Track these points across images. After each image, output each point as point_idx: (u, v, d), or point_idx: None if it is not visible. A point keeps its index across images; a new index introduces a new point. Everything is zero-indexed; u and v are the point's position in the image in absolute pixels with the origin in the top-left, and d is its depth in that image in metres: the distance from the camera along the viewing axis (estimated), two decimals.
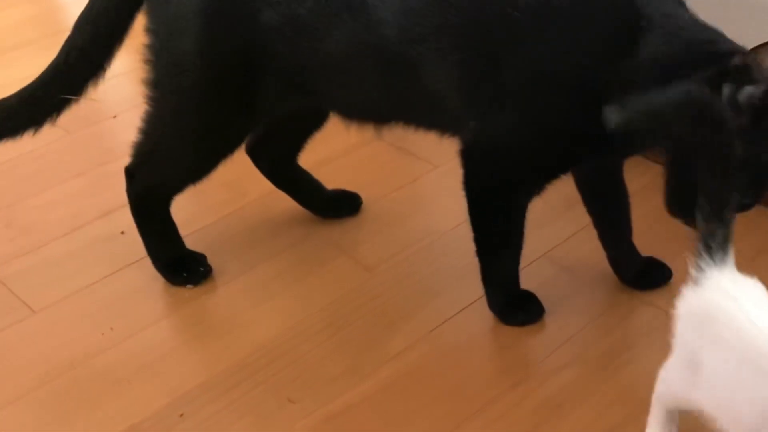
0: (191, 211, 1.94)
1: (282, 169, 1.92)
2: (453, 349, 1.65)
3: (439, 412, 1.53)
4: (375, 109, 1.64)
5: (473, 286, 1.68)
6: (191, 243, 1.85)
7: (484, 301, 1.66)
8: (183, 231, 1.83)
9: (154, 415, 1.54)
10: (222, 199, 2.02)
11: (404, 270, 1.79)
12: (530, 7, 1.41)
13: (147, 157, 1.72)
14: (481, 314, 1.68)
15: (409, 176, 2.07)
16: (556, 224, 1.87)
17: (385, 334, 1.67)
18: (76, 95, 1.69)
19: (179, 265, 1.81)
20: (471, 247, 1.64)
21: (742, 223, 1.81)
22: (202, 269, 1.80)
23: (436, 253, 1.85)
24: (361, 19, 1.48)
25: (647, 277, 1.72)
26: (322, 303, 1.75)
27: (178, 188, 1.75)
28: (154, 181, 1.75)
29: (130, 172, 1.75)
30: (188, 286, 1.79)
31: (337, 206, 1.95)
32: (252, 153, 1.88)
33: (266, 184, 1.95)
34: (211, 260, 1.83)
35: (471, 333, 1.67)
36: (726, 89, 1.30)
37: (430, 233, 1.89)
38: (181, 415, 1.54)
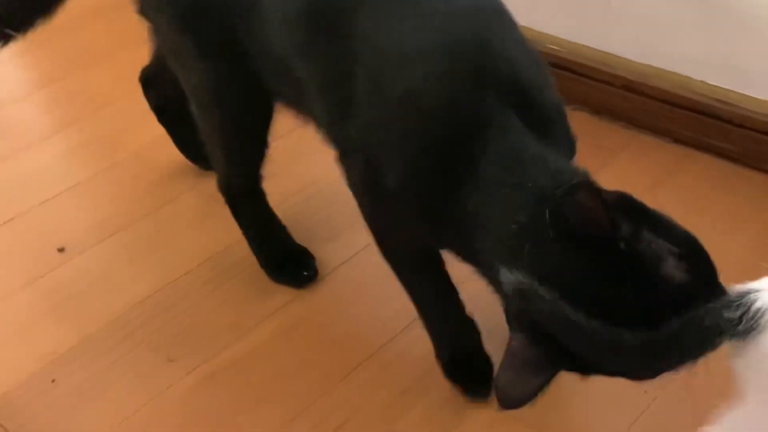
0: (65, 166, 1.85)
1: (170, 105, 1.78)
2: (342, 298, 1.59)
3: (328, 362, 1.48)
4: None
5: (360, 234, 1.60)
6: (64, 199, 1.76)
7: (372, 248, 1.58)
8: (58, 189, 1.72)
9: (24, 383, 1.45)
10: (96, 154, 1.92)
11: (288, 220, 1.70)
12: None
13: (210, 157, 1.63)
14: (370, 261, 1.58)
15: (289, 126, 1.99)
16: None
17: (270, 287, 1.60)
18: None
19: (284, 262, 1.65)
20: None
21: (639, 153, 1.91)
22: (305, 273, 1.63)
23: (322, 201, 1.77)
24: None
25: None
26: (204, 257, 1.66)
27: (243, 177, 1.62)
28: (221, 176, 1.64)
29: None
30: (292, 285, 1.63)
31: None
32: (144, 82, 1.77)
33: (144, 138, 1.87)
34: (87, 217, 1.74)
35: (360, 281, 1.61)
36: None
37: (315, 182, 1.82)
38: (53, 380, 1.45)
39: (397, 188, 1.25)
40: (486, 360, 1.44)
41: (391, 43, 1.25)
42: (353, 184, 1.36)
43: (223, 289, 1.61)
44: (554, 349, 1.06)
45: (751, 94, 1.73)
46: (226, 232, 1.67)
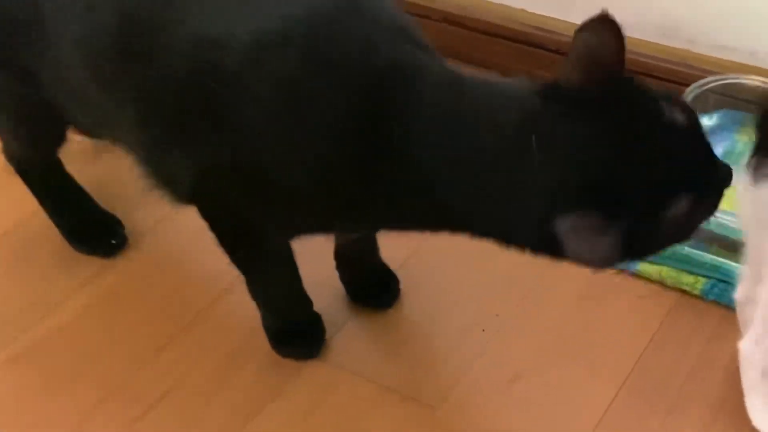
0: None
1: None
2: (155, 265, 1.46)
3: (145, 332, 1.36)
4: None
5: None
6: None
7: (185, 210, 1.32)
8: None
9: None
10: None
11: (92, 185, 1.53)
12: None
13: None
14: (182, 224, 1.47)
15: None
16: None
17: (76, 259, 1.46)
18: None
19: (89, 231, 1.50)
20: None
21: None
22: (113, 241, 1.49)
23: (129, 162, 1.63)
24: None
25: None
26: None
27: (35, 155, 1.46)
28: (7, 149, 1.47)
29: None
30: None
31: None
32: None
33: None
34: None
35: (173, 245, 1.49)
36: None
37: None
38: None
39: (311, 181, 1.08)
40: (316, 322, 1.35)
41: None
42: (220, 207, 1.19)
43: (21, 266, 1.46)
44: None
45: (571, 20, 1.68)
46: (20, 204, 1.51)
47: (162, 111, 1.13)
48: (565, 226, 0.94)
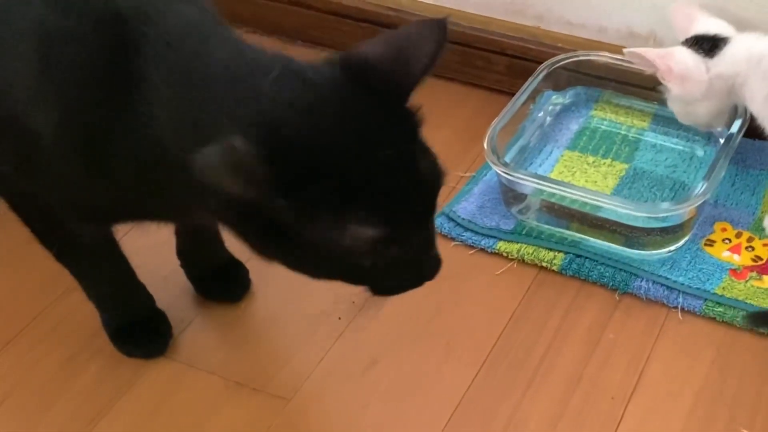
0: None
1: None
2: None
3: None
4: None
5: None
6: None
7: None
8: None
9: None
10: None
11: None
12: None
13: None
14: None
15: None
16: None
17: None
18: None
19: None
20: None
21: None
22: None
23: None
24: None
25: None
26: None
27: None
28: None
29: None
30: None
31: None
32: None
33: None
34: None
35: (11, 243, 1.37)
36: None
37: None
38: None
39: (59, 131, 0.99)
40: (159, 318, 1.28)
41: None
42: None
43: None
44: None
45: (423, 0, 1.67)
46: None
47: None
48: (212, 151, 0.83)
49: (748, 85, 1.36)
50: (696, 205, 1.33)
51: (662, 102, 1.49)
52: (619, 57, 1.52)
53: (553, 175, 1.48)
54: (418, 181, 0.91)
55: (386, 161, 0.88)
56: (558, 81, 1.59)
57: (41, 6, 0.98)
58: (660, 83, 1.42)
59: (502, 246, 1.39)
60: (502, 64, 1.64)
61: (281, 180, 0.83)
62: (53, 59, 0.97)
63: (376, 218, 0.88)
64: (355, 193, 0.87)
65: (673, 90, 1.40)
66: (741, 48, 1.37)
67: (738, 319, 1.28)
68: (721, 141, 1.46)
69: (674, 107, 1.45)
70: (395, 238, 0.90)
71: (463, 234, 1.42)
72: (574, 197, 1.38)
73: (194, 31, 0.97)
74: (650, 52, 1.39)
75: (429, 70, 0.91)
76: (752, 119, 1.41)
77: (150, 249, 1.25)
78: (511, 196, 1.43)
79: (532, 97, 1.53)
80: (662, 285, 1.33)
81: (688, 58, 1.38)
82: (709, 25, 1.41)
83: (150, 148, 0.95)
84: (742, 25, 1.42)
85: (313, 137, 0.87)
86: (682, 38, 1.43)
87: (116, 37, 0.95)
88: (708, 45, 1.38)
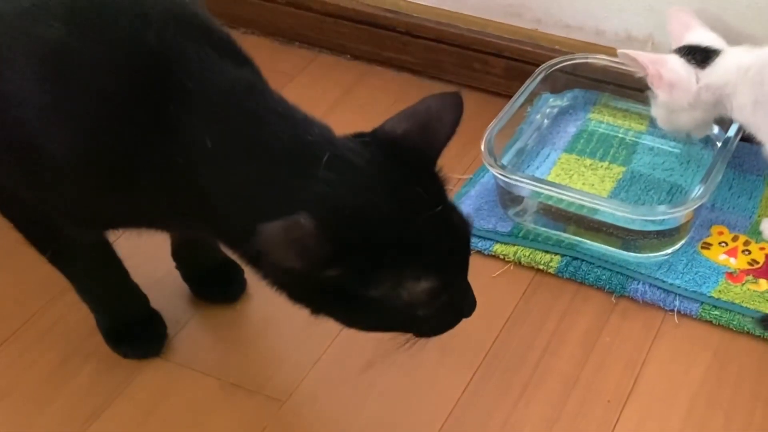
0: None
1: None
2: None
3: None
4: None
5: None
6: None
7: None
8: None
9: None
10: None
11: None
12: None
13: None
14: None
15: None
16: None
17: None
18: None
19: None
20: None
21: (319, 73, 1.75)
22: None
23: None
24: None
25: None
26: None
27: None
28: None
29: None
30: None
31: None
32: None
33: None
34: None
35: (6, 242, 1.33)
36: None
37: None
38: None
39: (77, 154, 1.01)
40: (154, 319, 1.29)
41: None
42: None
43: None
44: None
45: (421, 2, 1.66)
46: None
47: None
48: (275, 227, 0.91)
49: (737, 94, 1.36)
50: (693, 208, 1.33)
51: None
52: (617, 60, 1.52)
53: (550, 178, 1.48)
54: (455, 233, 1.02)
55: (428, 221, 0.98)
56: (555, 84, 1.59)
57: (62, 29, 0.99)
58: (649, 87, 1.42)
59: (498, 248, 1.39)
60: (500, 66, 1.64)
61: (339, 252, 0.92)
62: (72, 84, 0.99)
63: (429, 272, 0.98)
64: (408, 254, 0.97)
65: (660, 96, 1.41)
66: (732, 60, 1.39)
67: (736, 323, 1.28)
68: (719, 145, 1.46)
69: (657, 113, 1.46)
70: (445, 286, 1.00)
71: None
72: (571, 200, 1.39)
73: (247, 94, 1.02)
74: (643, 56, 1.40)
75: (450, 138, 1.02)
76: None
77: (145, 250, 1.24)
78: (508, 198, 1.43)
79: (530, 99, 1.53)
80: (659, 288, 1.33)
81: (679, 67, 1.39)
82: (702, 37, 1.42)
83: (187, 189, 1.00)
84: (735, 33, 1.43)
85: (366, 213, 0.96)
86: (675, 44, 1.43)
87: (148, 76, 0.99)
88: (701, 56, 1.39)
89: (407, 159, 1.00)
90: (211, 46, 1.02)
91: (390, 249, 0.96)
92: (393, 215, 0.97)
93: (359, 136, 1.02)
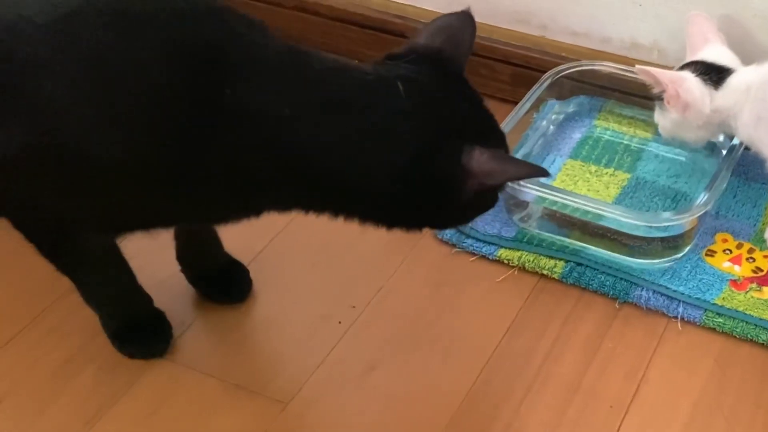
0: None
1: None
2: None
3: None
4: None
5: None
6: None
7: None
8: None
9: None
10: None
11: None
12: None
13: None
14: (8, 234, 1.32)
15: None
16: None
17: None
18: None
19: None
20: None
21: None
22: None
23: None
24: None
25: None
26: None
27: None
28: None
29: None
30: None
31: None
32: None
33: None
34: None
35: (12, 243, 1.31)
36: None
37: None
38: None
39: (133, 154, 1.02)
40: (159, 319, 1.29)
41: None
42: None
43: None
44: None
45: (429, 8, 1.67)
46: None
47: None
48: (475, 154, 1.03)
49: (742, 112, 1.36)
50: (697, 215, 1.34)
51: None
52: (623, 67, 1.52)
53: (555, 184, 1.48)
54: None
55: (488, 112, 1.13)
56: (561, 90, 1.59)
57: (108, 32, 1.00)
58: (660, 98, 1.42)
59: (503, 253, 1.39)
60: (506, 72, 1.65)
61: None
62: (124, 86, 1.00)
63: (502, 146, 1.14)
64: (490, 139, 1.10)
65: (673, 113, 1.41)
66: (740, 80, 1.39)
67: (739, 331, 1.27)
68: (724, 153, 1.47)
69: (662, 122, 1.45)
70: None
71: (465, 241, 1.42)
72: (576, 206, 1.39)
73: (298, 58, 1.07)
74: (663, 75, 1.39)
75: (471, 49, 1.14)
76: None
77: (149, 252, 1.24)
78: (513, 203, 1.44)
79: (536, 106, 1.54)
80: (662, 294, 1.33)
81: (696, 88, 1.39)
82: (719, 54, 1.42)
83: (272, 163, 1.04)
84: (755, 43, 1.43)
85: (467, 120, 1.09)
86: (690, 52, 1.43)
87: (198, 67, 1.01)
88: (716, 76, 1.39)
89: (450, 69, 1.10)
90: (247, 26, 1.05)
91: (491, 142, 1.08)
92: (480, 114, 1.10)
93: (394, 57, 1.10)
